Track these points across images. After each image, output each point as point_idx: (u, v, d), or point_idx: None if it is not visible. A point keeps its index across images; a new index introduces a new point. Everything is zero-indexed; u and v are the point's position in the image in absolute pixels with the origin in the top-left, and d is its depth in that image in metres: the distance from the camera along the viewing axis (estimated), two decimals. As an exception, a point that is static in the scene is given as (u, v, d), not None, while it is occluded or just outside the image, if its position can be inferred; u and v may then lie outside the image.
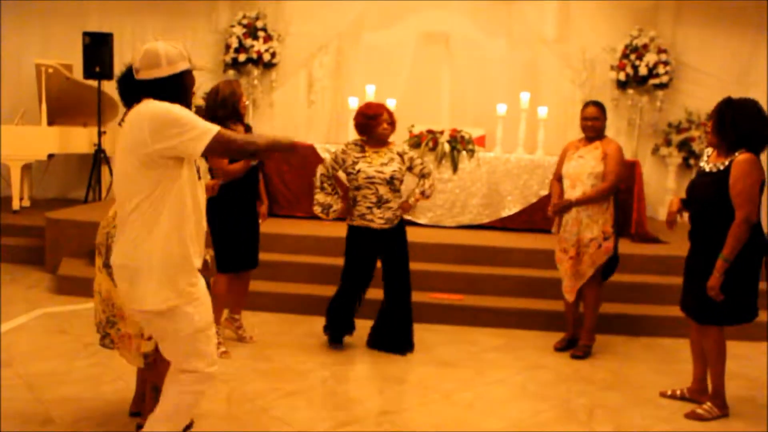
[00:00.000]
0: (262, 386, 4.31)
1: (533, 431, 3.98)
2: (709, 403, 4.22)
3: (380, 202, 4.83)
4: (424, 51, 9.25)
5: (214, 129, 2.70)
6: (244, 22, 9.00)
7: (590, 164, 4.98)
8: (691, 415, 4.18)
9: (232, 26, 9.03)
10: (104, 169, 8.60)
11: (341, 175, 5.00)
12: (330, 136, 9.28)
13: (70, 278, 6.28)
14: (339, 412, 4.09)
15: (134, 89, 2.87)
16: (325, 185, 4.94)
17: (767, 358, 5.29)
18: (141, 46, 2.84)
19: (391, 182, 4.83)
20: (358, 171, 4.82)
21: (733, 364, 4.26)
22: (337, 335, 5.11)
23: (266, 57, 8.95)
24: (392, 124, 4.93)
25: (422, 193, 5.02)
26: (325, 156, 7.50)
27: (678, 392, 4.48)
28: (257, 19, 9.03)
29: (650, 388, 4.62)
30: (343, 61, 9.40)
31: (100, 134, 8.38)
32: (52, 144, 8.19)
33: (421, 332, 5.21)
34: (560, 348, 5.27)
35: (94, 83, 8.32)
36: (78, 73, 8.43)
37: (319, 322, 5.49)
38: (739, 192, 3.93)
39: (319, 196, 4.93)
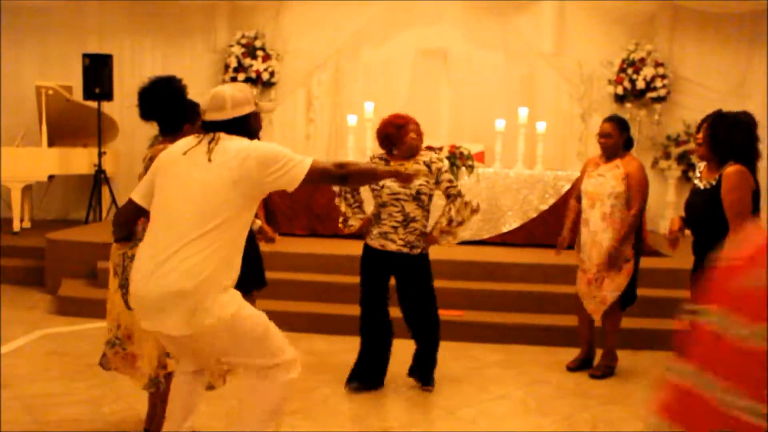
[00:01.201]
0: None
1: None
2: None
3: (406, 221, 4.42)
4: (421, 67, 9.30)
5: (309, 159, 2.92)
6: (243, 41, 9.05)
7: (611, 183, 4.80)
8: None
9: (231, 46, 9.08)
10: (104, 190, 8.62)
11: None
12: (329, 153, 9.31)
13: (71, 299, 6.28)
14: (341, 430, 4.07)
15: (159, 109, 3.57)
16: (347, 195, 4.68)
17: None
18: (211, 90, 3.04)
19: (418, 198, 4.42)
20: (383, 187, 4.42)
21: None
22: (365, 384, 4.62)
23: (265, 76, 8.99)
24: (420, 135, 4.55)
25: (449, 222, 4.47)
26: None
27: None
28: (255, 38, 9.08)
29: (654, 403, 4.59)
30: (341, 78, 9.44)
31: (100, 155, 8.40)
32: (52, 165, 8.21)
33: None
34: (573, 368, 5.11)
35: (94, 104, 8.35)
36: (78, 95, 8.47)
37: (319, 339, 5.48)
38: (730, 204, 3.91)
39: (342, 205, 4.69)
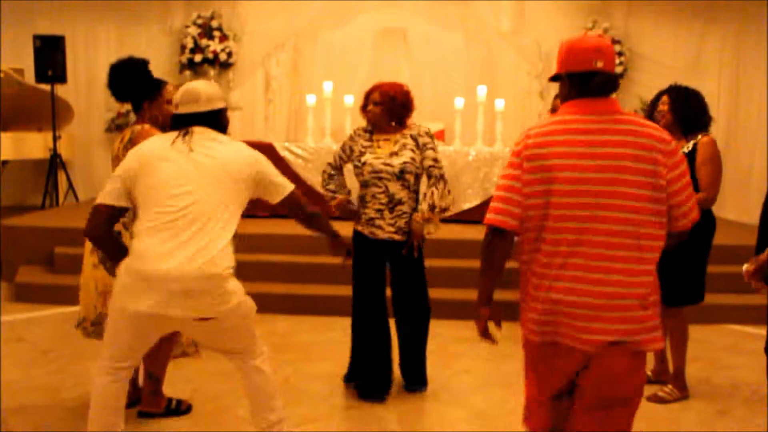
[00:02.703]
0: (225, 386, 4.28)
1: (499, 420, 4.01)
2: (670, 386, 4.29)
3: (391, 203, 4.02)
4: (381, 47, 9.28)
5: (291, 186, 3.14)
6: (199, 22, 8.93)
7: None
8: (653, 398, 4.24)
9: (187, 27, 8.96)
10: (61, 174, 8.47)
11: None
12: (289, 134, 9.26)
13: (28, 285, 6.18)
14: (301, 408, 4.07)
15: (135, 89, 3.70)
16: (330, 185, 4.25)
17: (723, 341, 5.41)
18: (183, 85, 3.16)
19: (402, 176, 3.99)
20: (364, 164, 4.03)
21: (691, 346, 4.34)
22: (372, 389, 4.18)
23: (222, 57, 8.90)
24: (383, 104, 4.04)
25: (431, 208, 4.01)
26: (284, 154, 7.48)
27: (641, 374, 4.54)
28: (212, 18, 8.96)
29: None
30: (300, 59, 9.37)
31: (55, 139, 8.25)
32: (5, 150, 8.05)
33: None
34: None
35: (47, 87, 8.18)
36: (30, 78, 8.29)
37: (282, 320, 5.47)
38: (707, 174, 4.04)
39: (325, 193, 4.30)
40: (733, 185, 8.10)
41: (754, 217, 3.75)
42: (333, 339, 5.24)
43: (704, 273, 4.25)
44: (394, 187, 4.01)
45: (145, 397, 3.85)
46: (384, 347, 4.23)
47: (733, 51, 8.53)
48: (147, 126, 3.68)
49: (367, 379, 4.21)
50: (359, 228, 4.16)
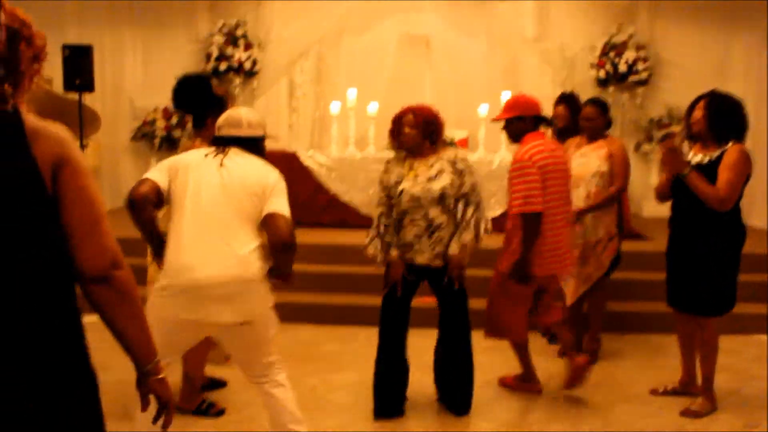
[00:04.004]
0: (252, 394, 4.29)
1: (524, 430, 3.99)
2: (701, 398, 4.23)
3: (430, 228, 3.91)
4: (404, 54, 9.26)
5: (284, 211, 3.09)
6: (224, 30, 8.99)
7: (595, 164, 4.85)
8: (687, 413, 4.18)
9: (212, 35, 9.02)
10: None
11: None
12: (313, 142, 9.28)
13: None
14: (327, 418, 4.08)
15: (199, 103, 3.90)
16: (382, 228, 4.03)
17: (752, 351, 5.33)
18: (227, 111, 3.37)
19: (443, 201, 3.90)
20: (401, 193, 3.92)
21: (720, 357, 4.28)
22: (387, 414, 4.14)
23: (247, 65, 8.95)
24: (418, 126, 3.98)
25: (477, 237, 3.99)
26: (308, 163, 7.50)
27: (669, 387, 4.50)
28: (237, 26, 9.02)
29: (637, 385, 4.64)
30: (323, 66, 9.40)
31: (82, 147, 8.33)
32: (33, 159, 8.12)
33: (412, 338, 5.11)
34: (563, 353, 5.14)
35: (74, 96, 8.27)
36: (58, 86, 8.39)
37: (305, 329, 5.48)
38: (726, 178, 3.93)
39: (377, 244, 4.03)
40: (760, 192, 7.99)
41: (782, 226, 3.75)
42: (357, 349, 5.24)
43: (734, 283, 4.15)
44: (434, 212, 3.90)
45: (182, 393, 4.05)
46: (402, 368, 4.17)
47: (760, 56, 8.41)
48: (198, 142, 3.86)
49: (382, 398, 4.15)
50: (393, 257, 4.02)
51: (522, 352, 4.50)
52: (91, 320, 1.89)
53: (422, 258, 3.95)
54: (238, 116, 3.26)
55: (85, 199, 1.77)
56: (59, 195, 1.73)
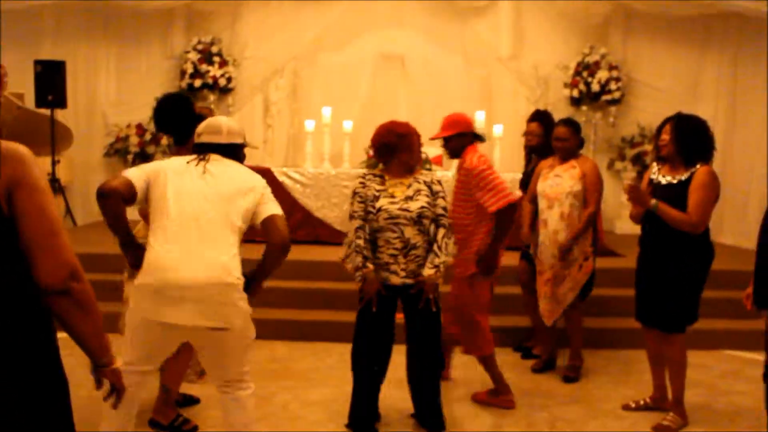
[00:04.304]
0: (213, 413, 4.24)
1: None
2: (672, 414, 4.27)
3: (407, 248, 3.89)
4: (380, 72, 9.30)
5: (278, 211, 3.18)
6: (199, 47, 8.98)
7: (568, 183, 4.86)
8: (659, 428, 4.21)
9: (187, 52, 9.00)
10: (59, 198, 8.47)
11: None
12: (288, 159, 9.28)
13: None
14: (301, 436, 4.06)
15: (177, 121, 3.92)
16: (359, 241, 3.94)
17: (722, 366, 5.38)
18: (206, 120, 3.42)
19: (420, 221, 3.88)
20: (379, 210, 3.89)
21: (690, 372, 4.32)
22: (359, 428, 4.14)
23: (222, 82, 8.94)
24: (421, 146, 4.10)
25: (443, 255, 3.94)
26: (283, 179, 7.48)
27: (641, 402, 4.53)
28: (212, 44, 9.02)
29: (611, 400, 4.66)
30: (299, 83, 9.41)
31: (54, 163, 8.25)
32: (4, 174, 8.02)
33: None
34: (538, 369, 5.20)
35: (46, 112, 8.21)
36: (30, 102, 8.32)
37: (281, 346, 5.44)
38: (698, 200, 4.00)
39: (354, 258, 3.95)
40: (730, 210, 8.12)
41: (751, 242, 3.74)
42: (331, 365, 5.22)
43: (698, 300, 4.19)
44: (410, 232, 3.89)
45: (157, 406, 3.99)
46: (374, 383, 4.14)
47: (731, 76, 8.56)
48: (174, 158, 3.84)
49: (356, 414, 4.14)
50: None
51: (491, 365, 4.51)
52: (63, 335, 1.90)
53: (397, 279, 3.94)
54: (218, 124, 3.31)
55: (41, 216, 1.86)
56: (16, 213, 1.83)
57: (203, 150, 3.25)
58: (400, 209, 3.87)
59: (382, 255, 3.94)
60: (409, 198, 3.91)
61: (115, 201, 3.01)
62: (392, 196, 3.92)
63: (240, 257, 3.10)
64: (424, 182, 3.98)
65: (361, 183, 4.04)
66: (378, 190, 3.96)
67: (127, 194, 3.04)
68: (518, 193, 5.33)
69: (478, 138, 4.52)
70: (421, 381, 4.17)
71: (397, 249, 3.90)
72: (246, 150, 3.44)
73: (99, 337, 2.02)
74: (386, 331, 4.08)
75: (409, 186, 3.95)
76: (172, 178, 3.11)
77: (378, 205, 3.91)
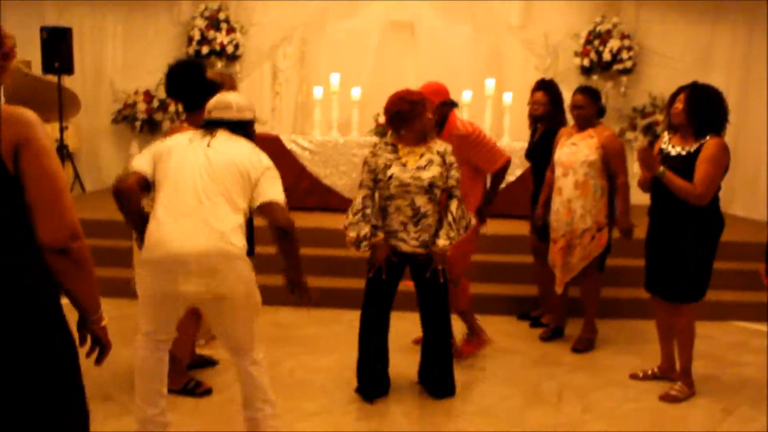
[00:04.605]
0: (226, 378, 4.28)
1: (502, 415, 4.00)
2: (679, 383, 4.27)
3: (417, 216, 3.90)
4: (388, 39, 9.21)
5: (279, 197, 3.17)
6: (206, 14, 8.90)
7: (584, 152, 4.78)
8: (666, 398, 4.22)
9: (194, 18, 8.93)
10: (67, 165, 8.47)
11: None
12: (296, 126, 9.24)
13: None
14: (305, 401, 4.07)
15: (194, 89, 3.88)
16: (368, 210, 3.97)
17: (729, 338, 5.38)
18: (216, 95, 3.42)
19: (431, 190, 3.88)
20: (390, 177, 3.88)
21: (697, 343, 4.32)
22: (370, 395, 4.13)
23: (229, 49, 8.87)
24: (434, 112, 4.09)
25: (457, 229, 3.95)
26: (291, 147, 7.46)
27: (649, 372, 4.53)
28: (219, 10, 8.94)
29: (618, 370, 4.66)
30: (307, 50, 9.33)
31: (62, 130, 8.24)
32: (12, 141, 8.02)
33: (393, 320, 5.08)
34: (546, 337, 5.19)
35: (53, 78, 8.17)
36: (37, 69, 8.28)
37: (285, 312, 5.45)
38: (704, 173, 3.96)
39: (362, 227, 3.94)
40: (742, 182, 8.05)
41: (763, 214, 3.72)
42: (338, 332, 5.23)
43: (709, 271, 4.17)
44: (421, 200, 3.89)
45: (167, 373, 3.96)
46: (384, 350, 4.18)
47: (744, 47, 8.45)
48: (185, 125, 3.90)
49: (365, 379, 4.16)
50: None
51: (470, 317, 4.83)
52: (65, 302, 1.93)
53: (407, 246, 3.96)
54: (228, 100, 3.33)
55: (45, 178, 1.93)
56: (22, 173, 1.90)
57: (212, 126, 3.28)
58: (411, 177, 3.86)
59: (392, 222, 3.96)
60: (421, 167, 3.88)
61: (133, 199, 3.16)
62: (404, 164, 3.90)
63: (244, 230, 3.13)
64: (438, 152, 3.93)
65: (372, 152, 4.03)
66: (390, 159, 3.94)
67: (143, 187, 3.17)
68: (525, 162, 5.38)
69: (455, 105, 4.65)
70: (430, 348, 4.20)
71: (408, 217, 3.92)
72: (257, 123, 3.46)
73: (93, 294, 2.12)
74: (393, 297, 4.13)
75: (422, 155, 3.92)
76: (176, 155, 3.17)
77: (390, 172, 3.90)
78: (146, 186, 3.19)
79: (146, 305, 3.24)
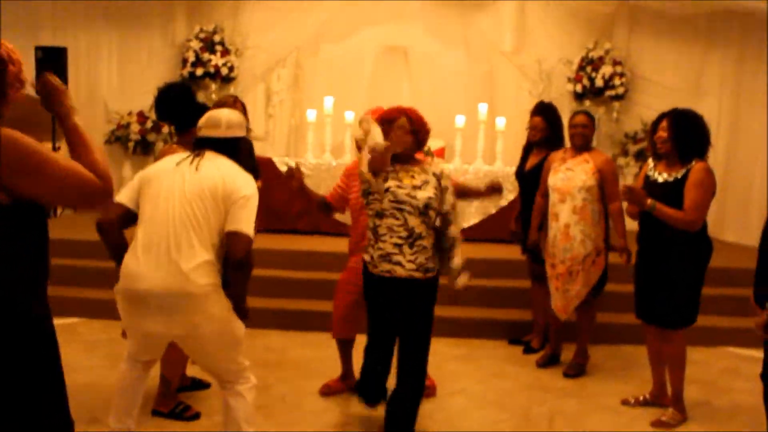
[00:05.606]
0: (215, 402, 4.23)
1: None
2: (671, 409, 4.26)
3: (411, 238, 3.61)
4: (382, 64, 9.28)
5: (246, 230, 3.09)
6: (201, 36, 8.93)
7: (581, 178, 4.77)
8: (657, 424, 4.21)
9: (189, 40, 8.95)
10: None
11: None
12: (289, 149, 9.26)
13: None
14: (296, 426, 4.04)
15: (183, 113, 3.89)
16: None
17: (721, 363, 5.37)
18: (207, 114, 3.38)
19: (426, 212, 3.61)
20: (387, 189, 3.63)
21: (689, 369, 4.32)
22: (371, 400, 3.98)
23: (224, 71, 8.89)
24: (415, 133, 3.73)
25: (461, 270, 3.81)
26: (284, 169, 7.44)
27: (641, 398, 4.52)
28: (214, 33, 8.97)
29: (610, 396, 4.65)
30: (301, 74, 9.38)
31: (54, 150, 8.21)
32: (4, 161, 8.00)
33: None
34: (543, 364, 5.16)
35: (47, 98, 8.17)
36: (30, 89, 8.26)
37: (276, 335, 5.43)
38: (695, 198, 3.99)
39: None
40: (733, 207, 8.09)
41: (754, 240, 3.72)
42: (329, 355, 5.18)
43: (698, 295, 4.18)
44: (414, 221, 3.60)
45: (157, 396, 4.04)
46: (384, 367, 3.91)
47: (734, 73, 8.52)
48: (175, 146, 3.92)
49: (367, 392, 3.95)
50: (372, 269, 3.72)
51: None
52: (60, 323, 1.91)
53: (403, 271, 3.62)
54: (218, 117, 3.30)
55: (53, 179, 2.04)
56: (35, 197, 2.04)
57: (201, 145, 3.26)
58: (407, 195, 3.60)
59: (384, 244, 3.64)
60: (416, 187, 3.63)
61: (115, 233, 3.18)
62: (400, 181, 3.65)
63: (215, 262, 3.09)
64: (433, 174, 3.71)
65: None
66: (386, 171, 3.66)
67: (125, 219, 3.18)
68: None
69: None
70: (403, 384, 3.80)
71: (402, 238, 3.60)
72: (252, 139, 3.45)
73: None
74: (396, 322, 3.80)
75: (415, 176, 3.67)
76: (157, 182, 3.16)
77: (387, 185, 3.64)
78: (128, 218, 3.18)
79: (128, 330, 3.29)
